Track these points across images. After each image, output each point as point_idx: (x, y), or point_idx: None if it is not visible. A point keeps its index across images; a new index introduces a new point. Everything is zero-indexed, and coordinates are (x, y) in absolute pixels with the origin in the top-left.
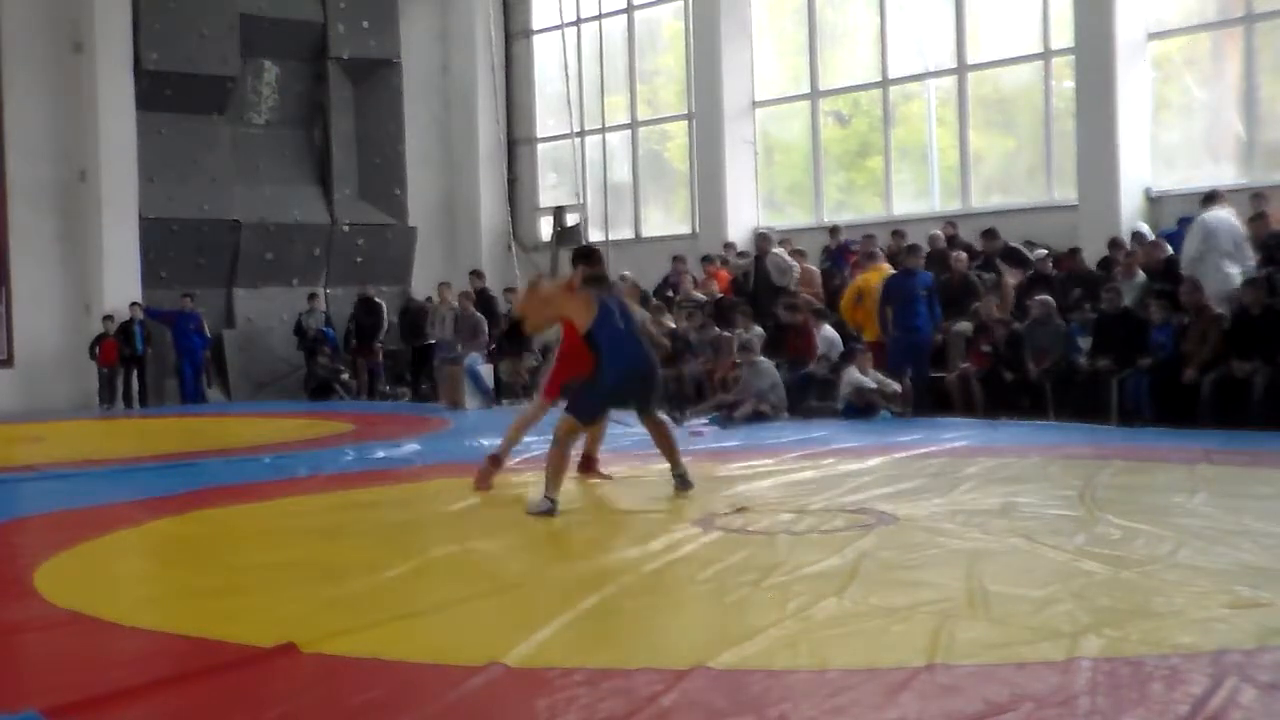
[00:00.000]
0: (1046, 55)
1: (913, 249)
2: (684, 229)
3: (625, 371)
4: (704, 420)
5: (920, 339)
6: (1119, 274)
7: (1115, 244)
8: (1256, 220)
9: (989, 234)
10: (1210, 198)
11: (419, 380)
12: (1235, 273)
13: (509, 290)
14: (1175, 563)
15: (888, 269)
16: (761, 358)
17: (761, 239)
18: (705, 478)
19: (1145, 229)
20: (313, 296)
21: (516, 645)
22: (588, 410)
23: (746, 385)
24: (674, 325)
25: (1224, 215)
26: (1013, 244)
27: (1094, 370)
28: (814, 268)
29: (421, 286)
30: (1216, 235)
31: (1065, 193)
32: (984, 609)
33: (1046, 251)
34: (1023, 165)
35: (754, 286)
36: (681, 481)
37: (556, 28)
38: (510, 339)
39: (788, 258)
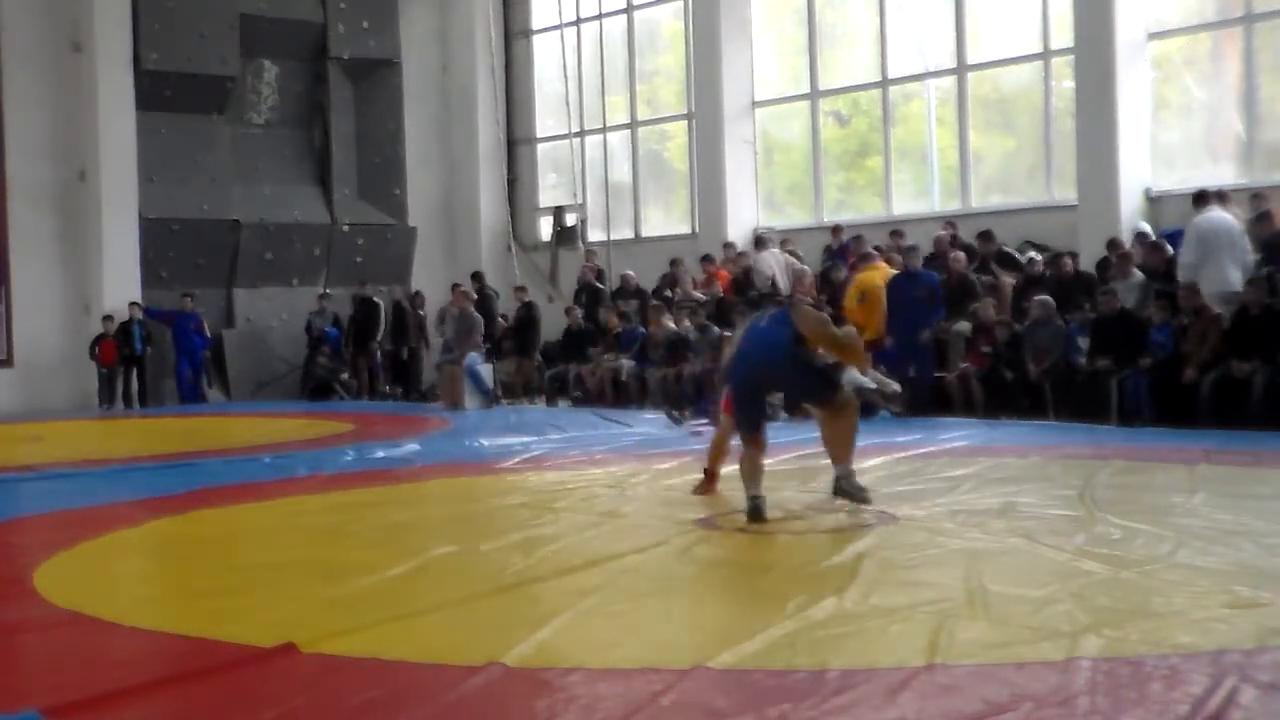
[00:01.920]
0: (1046, 55)
1: (909, 250)
2: (684, 229)
3: (730, 376)
4: (704, 420)
5: (918, 339)
6: (1115, 275)
7: (1113, 244)
8: (1260, 220)
9: (984, 236)
10: (1200, 198)
11: (407, 381)
12: (1236, 275)
13: (520, 289)
14: (1175, 563)
15: (885, 268)
16: None
17: (737, 254)
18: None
19: (1147, 228)
20: (322, 297)
21: (516, 645)
22: (738, 422)
23: None
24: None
25: (1216, 216)
26: (1006, 248)
27: (1093, 370)
28: (806, 268)
29: (422, 286)
30: (1213, 236)
31: (1065, 193)
32: (984, 609)
33: (1039, 257)
34: (1022, 165)
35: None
36: (839, 487)
37: (556, 28)
38: (517, 339)
39: (772, 264)
